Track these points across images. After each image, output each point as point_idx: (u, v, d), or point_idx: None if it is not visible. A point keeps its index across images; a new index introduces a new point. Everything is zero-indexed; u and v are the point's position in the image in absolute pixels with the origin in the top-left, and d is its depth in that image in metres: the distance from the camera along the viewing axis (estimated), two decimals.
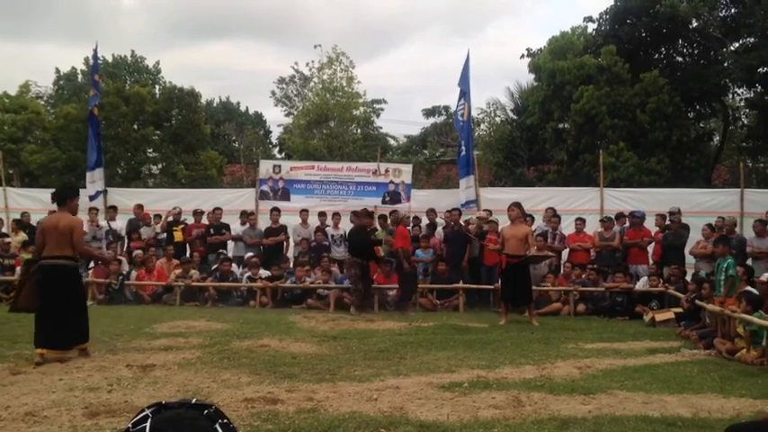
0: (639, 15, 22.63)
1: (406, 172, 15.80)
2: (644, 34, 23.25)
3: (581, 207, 14.56)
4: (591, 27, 25.76)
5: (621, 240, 12.77)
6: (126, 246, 13.86)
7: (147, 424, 1.28)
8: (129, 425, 1.31)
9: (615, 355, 7.80)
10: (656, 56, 24.30)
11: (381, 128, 34.39)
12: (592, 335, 9.37)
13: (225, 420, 1.38)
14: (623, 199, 14.71)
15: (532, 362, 7.21)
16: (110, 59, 36.10)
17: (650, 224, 12.97)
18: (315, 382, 6.13)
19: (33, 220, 14.00)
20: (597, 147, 19.88)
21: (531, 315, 10.65)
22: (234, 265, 13.06)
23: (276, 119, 48.98)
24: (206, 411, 1.38)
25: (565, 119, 23.62)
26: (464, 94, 15.26)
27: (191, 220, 13.98)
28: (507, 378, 6.37)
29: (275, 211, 13.99)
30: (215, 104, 41.93)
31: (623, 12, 23.06)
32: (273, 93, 35.88)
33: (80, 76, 35.79)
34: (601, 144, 20.43)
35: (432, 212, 14.04)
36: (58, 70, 37.54)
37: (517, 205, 10.95)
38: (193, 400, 1.42)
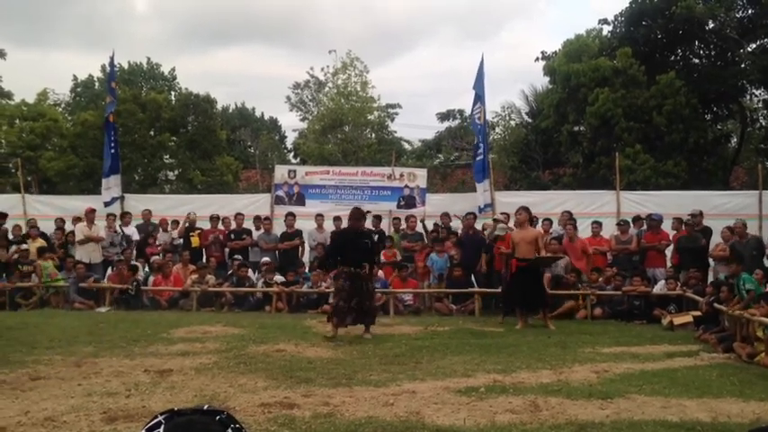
0: (655, 17, 22.52)
1: (420, 176, 15.80)
2: (660, 36, 23.14)
3: (597, 210, 14.48)
4: (606, 29, 25.71)
5: (639, 244, 12.67)
6: (135, 252, 13.93)
7: (161, 429, 1.30)
8: (144, 431, 1.33)
9: (633, 359, 7.73)
10: (673, 58, 24.16)
11: (396, 132, 34.48)
12: (609, 339, 9.29)
13: (237, 425, 1.40)
14: (640, 202, 14.60)
15: (549, 366, 7.16)
16: (126, 66, 36.46)
17: (668, 227, 12.86)
18: (331, 386, 6.13)
19: (47, 227, 14.18)
20: (613, 149, 19.76)
21: (545, 319, 10.56)
22: (249, 271, 13.11)
23: (291, 124, 49.15)
24: (218, 417, 1.40)
25: (580, 121, 23.54)
26: (479, 98, 15.25)
27: (206, 226, 14.05)
28: (524, 382, 6.34)
29: (290, 216, 14.03)
30: (230, 110, 42.20)
31: (639, 14, 22.96)
32: (288, 98, 36.08)
33: (97, 84, 36.14)
34: (617, 147, 20.31)
35: (446, 217, 14.02)
36: (75, 78, 37.98)
37: (525, 209, 10.89)
38: (205, 407, 1.44)
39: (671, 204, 14.03)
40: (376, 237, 11.65)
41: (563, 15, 71.29)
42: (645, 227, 12.96)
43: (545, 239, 12.64)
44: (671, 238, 12.70)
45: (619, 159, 16.13)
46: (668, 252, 12.74)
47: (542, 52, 27.24)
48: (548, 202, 14.97)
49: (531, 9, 71.63)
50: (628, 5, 23.50)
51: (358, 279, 9.23)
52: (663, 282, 11.88)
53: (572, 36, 26.99)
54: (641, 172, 19.96)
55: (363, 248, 9.45)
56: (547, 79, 27.01)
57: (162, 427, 1.31)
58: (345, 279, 9.25)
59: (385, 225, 14.22)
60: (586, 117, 22.28)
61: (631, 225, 13.12)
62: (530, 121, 29.49)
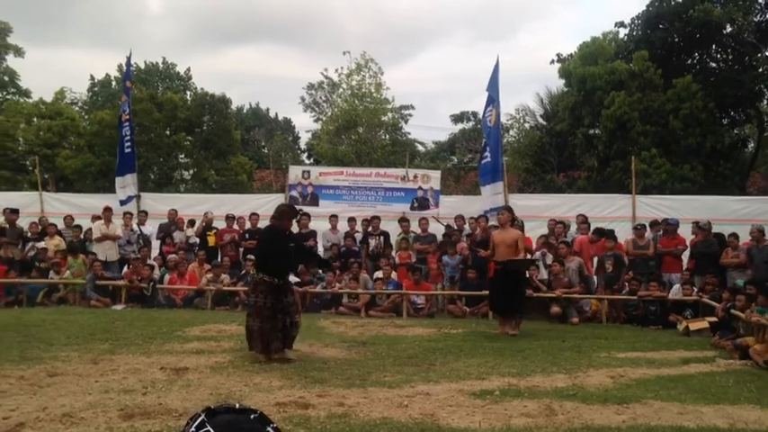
0: (672, 20, 22.41)
1: (434, 178, 15.79)
2: (677, 40, 23.02)
3: (612, 214, 14.43)
4: (622, 32, 25.64)
5: (655, 248, 12.59)
6: (157, 250, 14.05)
7: (210, 428, 1.33)
8: (192, 428, 1.35)
9: (649, 364, 7.69)
10: (690, 61, 24.03)
11: (410, 134, 34.47)
12: (624, 344, 9.25)
13: (274, 425, 1.43)
14: (656, 206, 14.52)
15: (564, 370, 7.14)
16: (142, 66, 36.73)
17: (684, 232, 12.77)
18: (345, 387, 6.15)
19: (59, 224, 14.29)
20: (629, 153, 19.67)
21: (511, 326, 9.85)
22: None
23: (305, 125, 49.39)
24: (252, 416, 1.43)
25: (595, 125, 23.45)
26: (492, 101, 15.20)
27: (222, 225, 14.11)
28: (539, 386, 6.32)
29: (304, 217, 14.06)
30: (245, 110, 42.40)
31: (655, 17, 22.85)
32: (302, 99, 36.18)
33: (114, 83, 36.44)
34: (632, 150, 20.23)
35: (459, 219, 14.00)
36: (92, 77, 38.29)
37: (508, 209, 10.69)
38: (237, 405, 1.46)
39: (687, 209, 13.95)
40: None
41: (579, 18, 71.25)
42: (661, 232, 12.87)
43: (559, 239, 12.65)
44: (688, 243, 12.60)
45: (634, 163, 16.05)
46: (684, 257, 12.65)
47: (558, 55, 27.19)
48: (562, 206, 14.93)
49: (546, 11, 71.63)
50: (645, 8, 23.41)
51: (281, 293, 7.53)
52: (677, 286, 11.80)
53: (588, 39, 26.85)
54: (657, 176, 19.86)
55: (286, 254, 7.68)
56: (562, 82, 26.92)
57: (207, 425, 1.34)
58: (267, 295, 7.45)
59: (393, 227, 14.18)
60: (602, 120, 22.19)
61: (647, 229, 13.04)
62: (544, 123, 29.40)
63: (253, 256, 11.31)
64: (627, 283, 11.91)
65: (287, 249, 7.69)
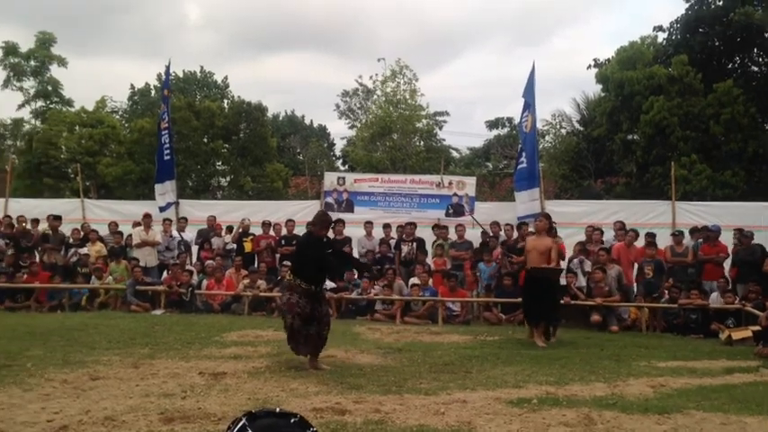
0: (712, 24, 22.04)
1: (469, 184, 15.70)
2: (717, 43, 22.63)
3: (651, 221, 14.17)
4: (661, 36, 25.29)
5: (695, 256, 12.35)
6: (194, 256, 14.26)
7: (251, 431, 1.35)
8: None
9: (690, 373, 7.54)
10: (730, 65, 23.60)
11: (444, 140, 34.42)
12: (665, 353, 9.07)
13: (314, 428, 1.44)
14: (697, 213, 14.24)
15: (603, 379, 7.03)
16: (180, 75, 37.38)
17: (726, 239, 12.50)
18: (381, 393, 6.14)
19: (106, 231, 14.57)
20: (668, 159, 19.35)
21: (537, 335, 9.60)
22: None
23: (340, 131, 49.67)
24: (292, 420, 1.44)
25: (634, 130, 23.14)
26: (528, 106, 15.10)
27: (258, 232, 14.26)
28: (577, 395, 6.23)
29: (339, 223, 14.11)
30: (281, 118, 42.83)
31: (695, 21, 22.50)
32: (337, 106, 36.42)
33: (153, 92, 37.14)
34: (672, 156, 19.90)
35: (495, 225, 13.92)
36: (132, 86, 39.10)
37: (546, 216, 10.56)
38: (277, 409, 1.48)
39: (729, 216, 13.65)
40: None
41: (616, 22, 70.47)
42: (701, 239, 12.61)
43: (597, 246, 12.47)
44: (729, 250, 12.33)
45: (674, 169, 15.77)
46: (726, 265, 12.38)
47: (594, 59, 26.95)
48: (600, 212, 14.73)
49: (583, 16, 70.97)
50: (684, 12, 23.06)
51: (316, 301, 7.49)
52: (715, 294, 11.54)
53: (626, 43, 26.56)
54: (697, 182, 19.51)
55: (323, 261, 7.59)
56: (599, 87, 26.65)
57: (248, 429, 1.36)
58: (302, 296, 7.40)
59: (428, 234, 14.15)
60: (640, 125, 21.89)
61: (688, 236, 12.80)
62: (581, 129, 29.09)
63: (289, 262, 11.32)
64: (667, 291, 11.70)
65: (324, 256, 7.62)
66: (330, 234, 8.45)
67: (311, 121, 44.47)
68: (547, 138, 29.85)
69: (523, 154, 15.13)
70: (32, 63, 31.52)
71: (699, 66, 21.76)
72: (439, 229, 14.13)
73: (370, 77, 31.26)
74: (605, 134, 24.40)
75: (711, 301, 11.45)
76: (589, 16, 70.86)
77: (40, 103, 32.14)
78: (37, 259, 13.94)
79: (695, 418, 5.44)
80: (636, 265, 12.45)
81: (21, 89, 31.82)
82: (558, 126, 30.22)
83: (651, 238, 12.64)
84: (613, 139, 23.77)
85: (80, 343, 8.69)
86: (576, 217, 14.57)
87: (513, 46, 70.63)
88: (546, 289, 9.85)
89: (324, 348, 7.61)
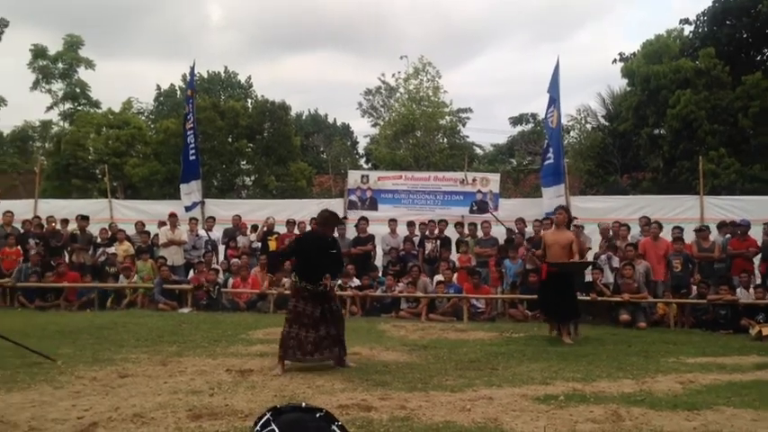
0: (739, 16, 21.68)
1: (493, 181, 15.64)
2: (745, 35, 22.25)
3: (679, 216, 13.97)
4: (687, 29, 24.93)
5: (723, 251, 12.14)
6: (222, 254, 14.37)
7: (273, 427, 1.35)
8: (257, 427, 1.38)
9: (720, 369, 7.42)
10: (759, 58, 23.17)
11: (468, 137, 34.28)
12: (694, 349, 8.94)
13: (338, 422, 1.44)
14: (725, 207, 14.02)
15: (631, 375, 6.95)
16: (205, 75, 37.68)
17: (756, 233, 12.28)
18: (407, 390, 6.14)
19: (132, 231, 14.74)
20: (696, 153, 19.07)
21: (565, 332, 9.48)
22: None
23: (363, 130, 49.68)
24: (318, 414, 1.44)
25: (660, 124, 22.85)
26: (553, 101, 15.01)
27: (283, 230, 14.32)
28: (605, 391, 6.17)
29: (363, 221, 14.14)
30: (304, 117, 42.98)
31: (722, 13, 22.16)
32: (360, 104, 36.44)
33: (178, 93, 37.50)
34: (700, 150, 19.61)
35: (520, 222, 13.84)
36: (158, 87, 39.53)
37: (564, 209, 10.45)
38: (303, 404, 1.48)
39: (758, 210, 13.40)
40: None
41: (642, 16, 69.57)
42: (729, 234, 12.41)
43: (623, 244, 12.33)
44: (759, 244, 12.12)
45: (702, 163, 15.53)
46: (756, 260, 12.17)
47: (620, 54, 26.69)
48: (627, 207, 14.58)
49: (608, 10, 70.14)
50: (710, 5, 22.74)
51: (324, 300, 7.37)
52: (740, 289, 11.34)
53: (651, 37, 26.24)
54: (726, 176, 19.21)
55: (328, 261, 7.45)
56: (625, 81, 26.38)
57: (273, 424, 1.36)
58: (308, 302, 7.28)
59: (452, 231, 14.10)
60: (667, 119, 21.61)
61: (715, 231, 12.59)
62: (606, 124, 28.80)
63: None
64: (695, 287, 11.52)
65: (327, 255, 7.40)
66: (335, 234, 8.26)
67: (334, 119, 44.57)
68: (572, 133, 29.63)
69: (550, 150, 15.04)
70: (60, 66, 32.10)
71: (726, 58, 21.42)
72: (463, 227, 14.07)
73: (393, 75, 31.27)
74: (631, 129, 24.13)
75: (737, 295, 11.24)
76: (613, 10, 70.04)
77: (68, 105, 32.72)
78: (66, 259, 14.16)
79: (725, 414, 5.36)
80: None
81: (49, 91, 32.46)
82: (582, 121, 29.98)
83: (679, 231, 12.46)
84: (640, 134, 23.49)
85: (109, 341, 8.81)
86: (601, 213, 14.42)
87: (537, 41, 70.04)
88: (568, 284, 9.70)
89: (348, 347, 7.48)
